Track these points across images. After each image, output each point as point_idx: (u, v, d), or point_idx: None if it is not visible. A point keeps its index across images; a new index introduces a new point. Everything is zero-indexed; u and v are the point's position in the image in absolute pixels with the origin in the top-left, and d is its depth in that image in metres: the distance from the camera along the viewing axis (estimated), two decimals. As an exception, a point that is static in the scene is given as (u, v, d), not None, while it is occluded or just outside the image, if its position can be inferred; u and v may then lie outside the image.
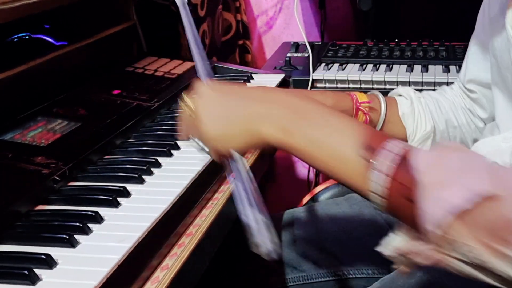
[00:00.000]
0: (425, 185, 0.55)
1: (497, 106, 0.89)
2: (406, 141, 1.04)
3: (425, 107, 1.03)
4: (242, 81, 1.23)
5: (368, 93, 1.05)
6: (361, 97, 1.01)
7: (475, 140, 1.06)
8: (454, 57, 1.39)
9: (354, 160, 0.61)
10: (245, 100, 0.68)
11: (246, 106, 0.67)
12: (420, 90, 1.29)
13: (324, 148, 0.63)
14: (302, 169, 2.05)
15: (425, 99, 1.05)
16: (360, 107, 1.00)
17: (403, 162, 0.57)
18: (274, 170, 2.04)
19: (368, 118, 1.00)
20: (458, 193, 0.53)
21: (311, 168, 1.97)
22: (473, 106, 1.03)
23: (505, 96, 0.87)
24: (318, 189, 1.40)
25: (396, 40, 1.51)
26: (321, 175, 2.01)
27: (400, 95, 1.06)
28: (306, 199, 1.43)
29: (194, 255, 0.70)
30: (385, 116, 1.01)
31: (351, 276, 1.04)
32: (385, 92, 1.30)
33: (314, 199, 1.45)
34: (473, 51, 1.00)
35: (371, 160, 0.59)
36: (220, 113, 0.68)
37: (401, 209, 0.58)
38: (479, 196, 0.52)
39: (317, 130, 0.64)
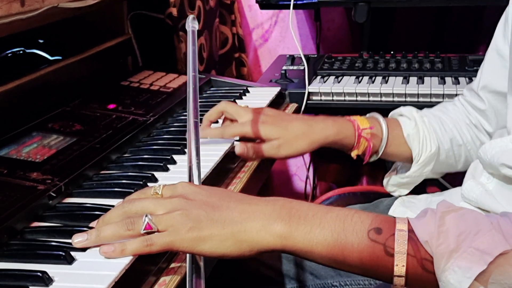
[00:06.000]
0: (438, 255, 0.60)
1: (510, 112, 0.89)
2: (411, 161, 1.04)
3: (429, 127, 1.03)
4: (237, 94, 1.23)
5: (368, 115, 1.05)
6: (362, 123, 1.01)
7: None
8: (449, 69, 1.39)
9: (367, 245, 0.63)
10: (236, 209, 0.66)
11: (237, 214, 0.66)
12: (416, 102, 1.30)
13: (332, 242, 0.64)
14: (299, 183, 2.05)
15: (428, 118, 1.05)
16: (362, 134, 1.00)
17: (411, 236, 0.62)
18: (271, 183, 2.03)
19: (370, 144, 1.00)
20: (471, 257, 0.58)
21: (308, 181, 1.97)
22: (479, 120, 1.03)
23: None
24: (317, 201, 1.39)
25: (392, 52, 1.51)
26: (318, 189, 2.00)
27: (402, 115, 1.06)
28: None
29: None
30: (387, 140, 1.01)
31: (347, 287, 1.03)
32: (381, 104, 1.32)
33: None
34: (489, 58, 1.00)
35: (385, 243, 0.63)
36: (212, 213, 0.65)
37: (423, 282, 0.62)
38: (491, 256, 0.57)
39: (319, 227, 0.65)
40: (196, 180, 0.72)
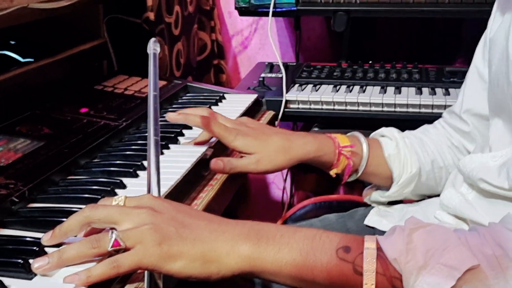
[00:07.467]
0: (407, 273, 0.60)
1: (493, 129, 0.88)
2: (391, 182, 1.03)
3: (410, 148, 1.02)
4: (214, 100, 1.21)
5: (349, 134, 1.04)
6: (343, 141, 1.00)
7: None
8: (426, 80, 1.39)
9: (336, 264, 0.63)
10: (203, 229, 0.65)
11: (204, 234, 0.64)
12: (393, 112, 1.30)
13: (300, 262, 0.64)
14: (276, 191, 2.03)
15: (410, 139, 1.03)
16: (342, 152, 0.98)
17: (380, 254, 0.62)
18: (248, 191, 2.02)
19: (350, 163, 0.99)
20: (439, 273, 0.58)
21: (285, 189, 1.95)
22: (461, 142, 1.02)
23: (500, 119, 0.86)
24: (293, 210, 1.37)
25: (370, 62, 1.51)
26: (296, 197, 1.99)
27: (383, 136, 1.05)
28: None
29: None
30: (368, 159, 1.00)
31: None
32: (358, 114, 1.31)
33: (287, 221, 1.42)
34: (470, 81, 0.98)
35: (353, 262, 0.62)
36: (179, 232, 0.63)
37: None
38: (459, 271, 0.57)
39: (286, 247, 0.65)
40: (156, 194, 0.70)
